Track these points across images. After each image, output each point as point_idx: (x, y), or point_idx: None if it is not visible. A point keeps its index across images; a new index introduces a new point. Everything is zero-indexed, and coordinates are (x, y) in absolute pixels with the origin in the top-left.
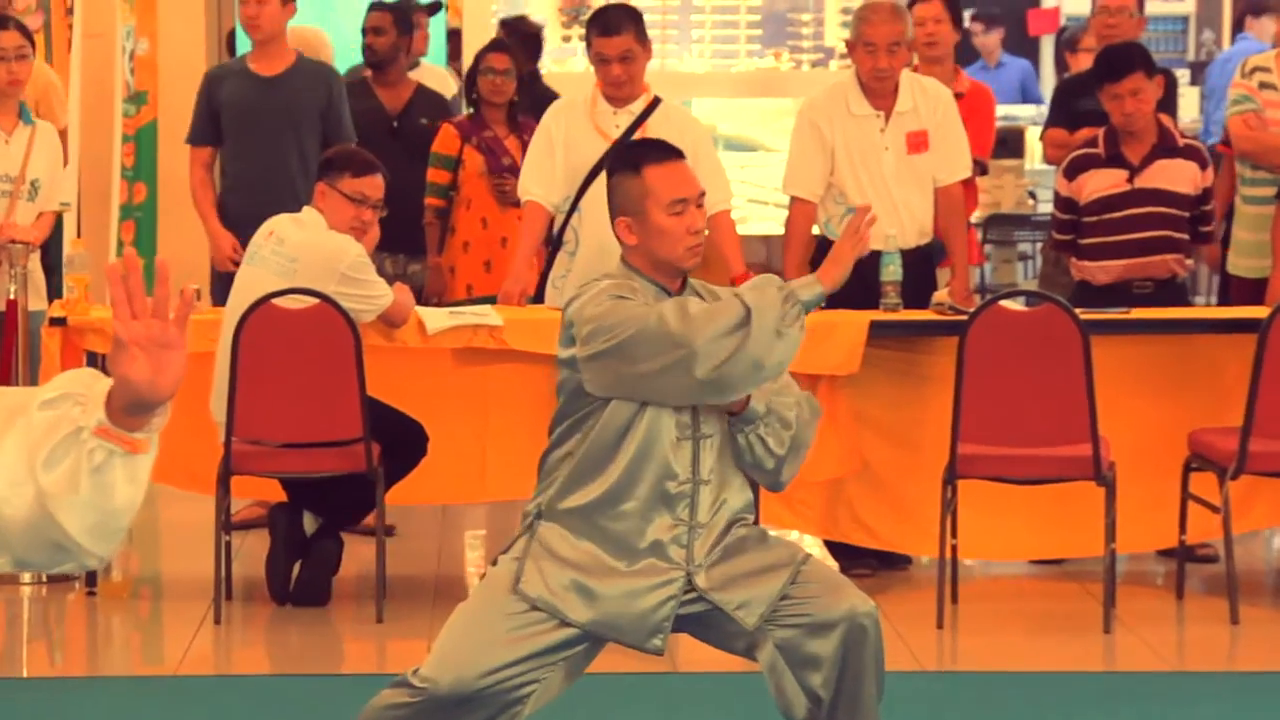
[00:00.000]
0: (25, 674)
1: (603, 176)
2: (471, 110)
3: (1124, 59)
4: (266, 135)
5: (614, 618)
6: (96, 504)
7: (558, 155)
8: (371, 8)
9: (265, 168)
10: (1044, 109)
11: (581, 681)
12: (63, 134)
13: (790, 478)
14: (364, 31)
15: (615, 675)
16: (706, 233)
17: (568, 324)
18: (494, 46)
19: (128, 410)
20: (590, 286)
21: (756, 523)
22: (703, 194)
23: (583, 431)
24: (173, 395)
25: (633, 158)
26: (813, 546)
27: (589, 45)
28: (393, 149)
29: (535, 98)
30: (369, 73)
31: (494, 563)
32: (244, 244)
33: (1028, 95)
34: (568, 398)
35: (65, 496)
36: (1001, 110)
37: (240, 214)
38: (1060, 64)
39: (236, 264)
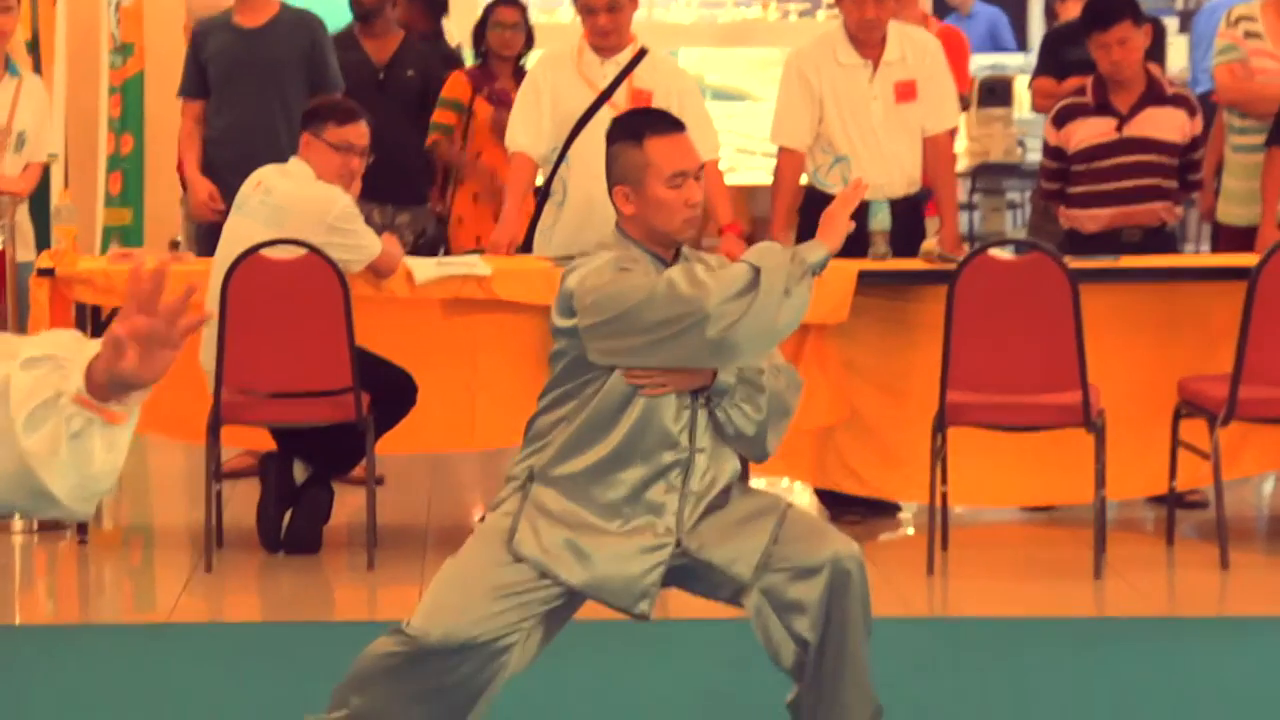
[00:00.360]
0: (18, 621)
1: (590, 127)
2: (480, 62)
3: (1112, 8)
4: (250, 87)
5: (604, 580)
6: (76, 467)
7: (545, 106)
8: None
9: (249, 119)
10: (1031, 58)
11: (570, 629)
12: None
13: (775, 446)
14: None
15: (603, 623)
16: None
17: (567, 295)
18: (504, 0)
19: (109, 387)
20: (591, 259)
21: (744, 479)
22: (702, 167)
23: (581, 399)
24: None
25: (635, 128)
26: (802, 494)
27: None
28: (379, 100)
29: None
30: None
31: (482, 519)
32: (227, 195)
33: (998, 42)
34: (565, 368)
35: (46, 458)
36: (990, 59)
37: (225, 166)
38: (1049, 13)
39: (216, 212)
